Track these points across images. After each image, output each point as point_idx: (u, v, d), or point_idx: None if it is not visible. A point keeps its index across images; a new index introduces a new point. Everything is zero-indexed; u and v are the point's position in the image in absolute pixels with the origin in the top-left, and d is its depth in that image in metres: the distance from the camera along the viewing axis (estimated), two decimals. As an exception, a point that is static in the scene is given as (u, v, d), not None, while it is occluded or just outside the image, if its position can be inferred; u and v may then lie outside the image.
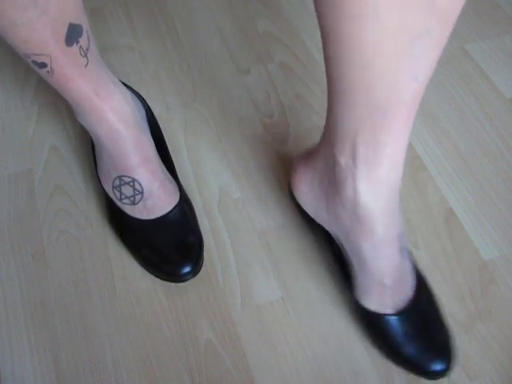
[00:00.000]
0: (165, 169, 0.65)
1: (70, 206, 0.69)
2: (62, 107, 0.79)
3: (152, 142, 0.64)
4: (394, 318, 0.55)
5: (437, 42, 0.38)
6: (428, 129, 0.76)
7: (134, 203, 0.62)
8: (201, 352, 0.59)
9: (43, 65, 0.51)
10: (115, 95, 0.59)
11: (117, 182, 0.62)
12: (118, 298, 0.63)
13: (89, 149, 0.73)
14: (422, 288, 0.57)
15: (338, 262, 0.59)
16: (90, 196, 0.70)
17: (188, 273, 0.61)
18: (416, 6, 0.34)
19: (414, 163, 0.72)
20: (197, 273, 0.62)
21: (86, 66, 0.54)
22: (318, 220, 0.57)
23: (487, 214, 0.68)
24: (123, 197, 0.62)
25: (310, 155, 0.57)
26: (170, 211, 0.63)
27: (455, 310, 0.61)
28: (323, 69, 0.43)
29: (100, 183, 0.64)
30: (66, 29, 0.49)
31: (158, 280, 0.63)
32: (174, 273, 0.61)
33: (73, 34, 0.50)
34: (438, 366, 0.54)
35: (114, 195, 0.63)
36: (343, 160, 0.47)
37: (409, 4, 0.34)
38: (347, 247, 0.54)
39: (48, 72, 0.52)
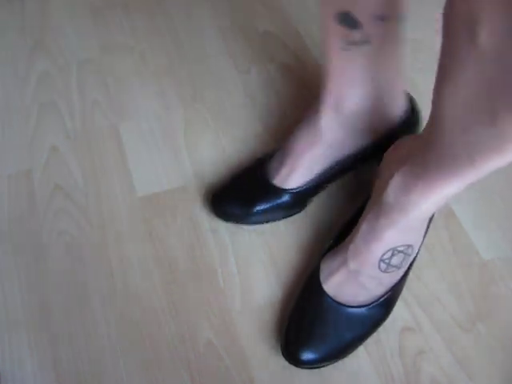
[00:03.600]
0: None
1: (70, 206, 0.69)
2: (62, 107, 0.79)
3: None
4: (334, 304, 0.56)
5: None
6: (428, 129, 0.76)
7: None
8: (201, 352, 0.59)
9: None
10: None
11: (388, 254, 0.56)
12: (118, 298, 0.63)
13: (89, 148, 0.73)
14: (381, 306, 0.57)
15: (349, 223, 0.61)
16: (90, 196, 0.70)
17: None
18: None
19: (414, 163, 0.72)
20: None
21: None
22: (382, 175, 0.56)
23: (487, 213, 0.68)
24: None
25: (402, 149, 0.56)
26: None
27: (455, 310, 0.61)
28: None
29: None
30: None
31: (157, 280, 0.63)
32: None
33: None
34: (304, 356, 0.56)
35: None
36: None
37: None
38: (377, 209, 0.54)
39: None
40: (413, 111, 0.65)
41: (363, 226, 0.55)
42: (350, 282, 0.56)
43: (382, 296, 0.57)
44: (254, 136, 0.75)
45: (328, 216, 0.68)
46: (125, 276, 0.64)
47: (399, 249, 0.55)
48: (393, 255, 0.55)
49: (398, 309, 0.61)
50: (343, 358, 0.58)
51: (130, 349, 0.60)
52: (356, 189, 0.70)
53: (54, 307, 0.62)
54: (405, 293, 0.62)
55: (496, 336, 0.60)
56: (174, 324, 0.61)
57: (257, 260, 0.65)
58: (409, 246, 0.55)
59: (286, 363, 0.58)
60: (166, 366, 0.59)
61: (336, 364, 0.58)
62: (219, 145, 0.75)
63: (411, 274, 0.63)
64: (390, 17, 0.50)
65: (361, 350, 0.59)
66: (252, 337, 0.60)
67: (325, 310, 0.56)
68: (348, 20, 0.50)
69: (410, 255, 0.56)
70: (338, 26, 0.51)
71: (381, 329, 0.60)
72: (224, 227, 0.67)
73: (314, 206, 0.69)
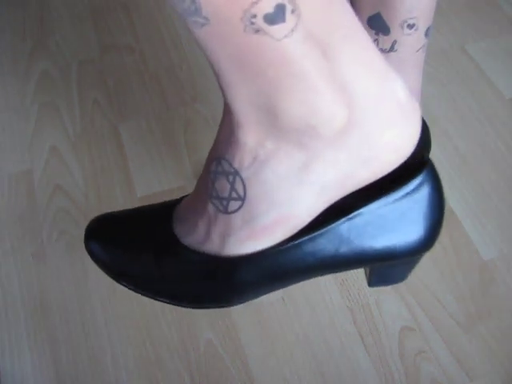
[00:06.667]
0: None
1: (69, 206, 0.69)
2: (61, 107, 0.79)
3: None
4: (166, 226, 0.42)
5: None
6: (428, 129, 0.76)
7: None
8: (201, 352, 0.59)
9: None
10: None
11: None
12: (118, 298, 0.63)
13: (89, 149, 0.73)
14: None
15: None
16: (90, 196, 0.70)
17: None
18: None
19: (413, 163, 0.72)
20: None
21: None
22: None
23: (487, 213, 0.68)
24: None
25: None
26: None
27: (455, 310, 0.61)
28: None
29: None
30: None
31: (157, 280, 0.63)
32: None
33: None
34: None
35: None
36: None
37: None
38: None
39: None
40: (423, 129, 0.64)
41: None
42: (190, 208, 0.42)
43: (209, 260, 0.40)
44: (254, 136, 0.75)
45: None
46: (125, 276, 0.64)
47: (223, 164, 0.37)
48: (217, 170, 0.38)
49: (398, 309, 0.61)
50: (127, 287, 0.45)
51: (129, 349, 0.60)
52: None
53: (54, 307, 0.62)
54: (405, 293, 0.62)
55: (496, 336, 0.60)
56: (174, 324, 0.61)
57: (257, 260, 0.65)
58: (232, 169, 0.37)
59: (285, 363, 0.58)
60: (165, 365, 0.59)
61: (335, 363, 0.58)
62: (219, 145, 0.75)
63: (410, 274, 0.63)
64: (419, 27, 0.50)
65: (361, 350, 0.59)
66: (252, 337, 0.60)
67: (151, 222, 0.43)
68: (379, 23, 0.50)
69: (233, 195, 0.37)
70: (368, 30, 0.51)
71: (381, 328, 0.60)
72: (224, 227, 0.67)
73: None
